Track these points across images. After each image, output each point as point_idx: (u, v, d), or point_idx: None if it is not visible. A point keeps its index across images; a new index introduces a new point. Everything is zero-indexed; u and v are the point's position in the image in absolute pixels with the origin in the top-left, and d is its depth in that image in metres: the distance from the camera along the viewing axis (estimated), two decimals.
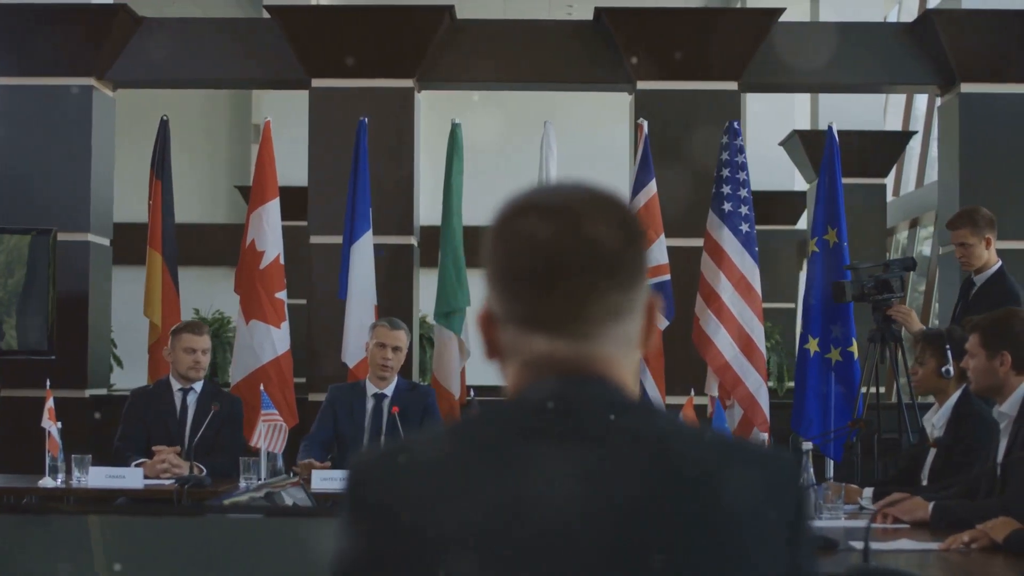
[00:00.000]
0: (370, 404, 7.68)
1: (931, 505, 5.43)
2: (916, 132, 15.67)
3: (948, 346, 6.28)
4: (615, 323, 1.82)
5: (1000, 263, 8.01)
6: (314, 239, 10.36)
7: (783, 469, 1.79)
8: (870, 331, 8.49)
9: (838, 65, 10.54)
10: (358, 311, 9.22)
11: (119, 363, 13.55)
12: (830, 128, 9.38)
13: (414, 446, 1.82)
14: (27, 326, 9.35)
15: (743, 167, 9.28)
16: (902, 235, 17.32)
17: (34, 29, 10.26)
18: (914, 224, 16.66)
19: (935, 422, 6.29)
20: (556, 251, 1.79)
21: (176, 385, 7.82)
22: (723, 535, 1.70)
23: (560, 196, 1.85)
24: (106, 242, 10.55)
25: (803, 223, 16.85)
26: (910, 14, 16.95)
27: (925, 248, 16.68)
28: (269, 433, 6.78)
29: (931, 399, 6.63)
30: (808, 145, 13.88)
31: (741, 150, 9.32)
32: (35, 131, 10.21)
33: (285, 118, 17.34)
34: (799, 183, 16.23)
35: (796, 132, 14.13)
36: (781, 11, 10.40)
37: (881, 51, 10.55)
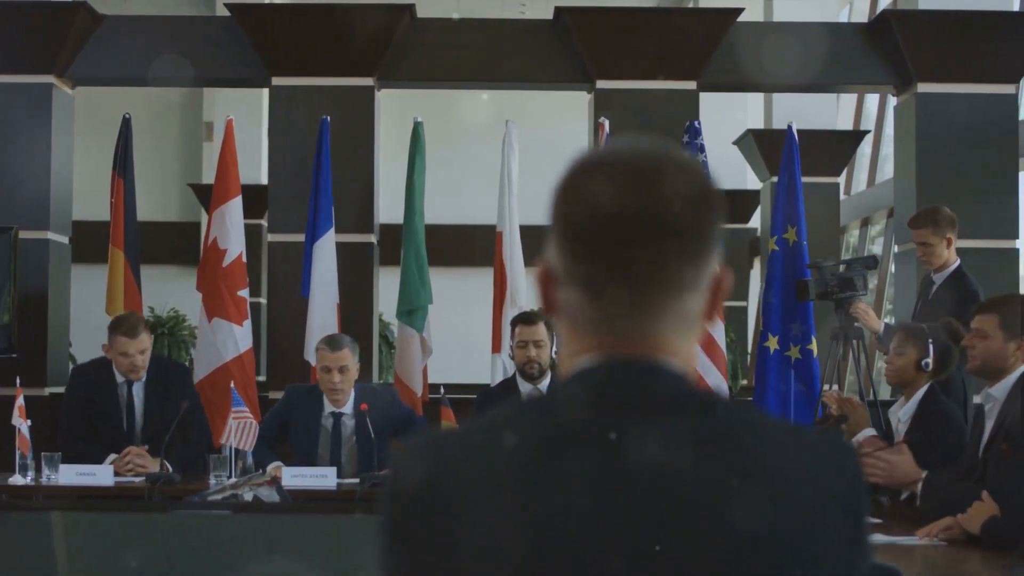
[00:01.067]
0: (328, 423, 7.49)
1: (923, 476, 5.52)
2: (868, 131, 15.79)
3: (931, 340, 6.33)
4: (677, 295, 1.72)
5: (959, 262, 8.09)
6: (272, 237, 10.36)
7: (850, 464, 1.72)
8: (832, 329, 8.54)
9: (796, 65, 10.62)
10: (321, 309, 9.24)
11: (74, 362, 13.49)
12: (790, 127, 9.46)
13: (451, 450, 1.72)
14: None
15: (704, 166, 9.33)
16: (853, 234, 17.47)
17: None
18: (865, 223, 16.80)
19: (901, 416, 6.35)
20: (618, 211, 1.69)
21: (119, 378, 7.62)
22: (788, 538, 1.63)
23: (631, 156, 1.74)
24: (65, 240, 10.52)
25: (755, 221, 16.97)
26: (861, 14, 17.11)
27: (876, 247, 16.82)
28: (239, 430, 6.79)
29: (887, 394, 6.69)
30: (762, 144, 13.99)
31: (702, 149, 9.39)
32: None
33: (237, 116, 17.34)
34: (751, 182, 16.34)
35: (750, 131, 14.23)
36: (740, 11, 10.47)
37: (838, 51, 10.63)
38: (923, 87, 10.29)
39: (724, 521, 1.61)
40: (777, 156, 13.80)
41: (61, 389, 10.22)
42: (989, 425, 5.57)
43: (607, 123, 9.55)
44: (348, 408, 7.45)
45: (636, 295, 1.71)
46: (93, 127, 14.41)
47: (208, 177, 19.38)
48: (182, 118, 20.03)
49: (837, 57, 10.64)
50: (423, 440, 1.77)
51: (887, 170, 16.73)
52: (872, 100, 17.20)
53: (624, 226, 1.69)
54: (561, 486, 1.63)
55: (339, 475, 7.03)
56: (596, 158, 1.78)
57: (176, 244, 19.01)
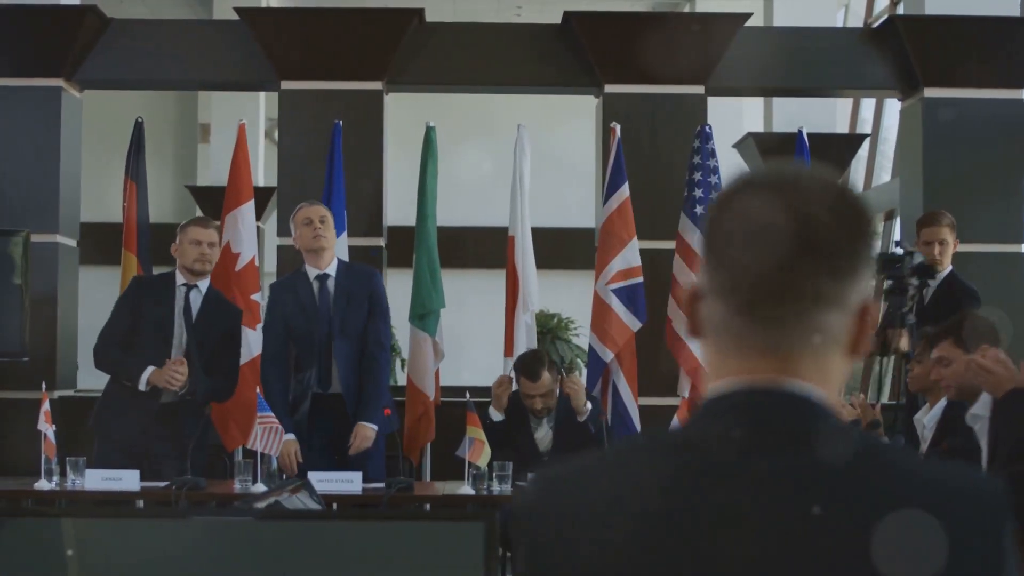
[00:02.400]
0: (316, 287, 7.58)
1: None
2: (868, 135, 15.85)
3: None
4: (819, 311, 1.72)
5: (952, 266, 8.22)
6: (281, 241, 10.36)
7: (997, 505, 1.68)
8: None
9: (803, 69, 10.70)
10: None
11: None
12: (800, 132, 9.50)
13: (588, 482, 1.73)
14: (1, 328, 9.32)
15: (715, 170, 9.37)
16: None
17: (2, 30, 10.21)
18: None
19: (926, 422, 6.37)
20: (764, 222, 1.71)
21: (180, 280, 7.60)
22: None
23: (782, 175, 1.77)
24: (73, 243, 10.52)
25: None
26: (857, 17, 17.16)
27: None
28: (265, 435, 6.78)
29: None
30: (762, 147, 14.02)
31: (713, 153, 9.41)
32: (3, 132, 10.16)
33: (232, 119, 17.34)
34: None
35: (750, 135, 14.26)
36: (747, 16, 10.52)
37: (844, 56, 10.70)
38: (930, 92, 10.34)
39: (870, 565, 1.59)
40: (777, 159, 13.89)
41: (70, 392, 10.27)
42: (983, 443, 5.61)
43: (619, 128, 9.57)
44: (332, 269, 7.64)
45: (782, 311, 1.72)
46: (88, 128, 14.38)
47: (203, 179, 19.35)
48: (177, 120, 19.96)
49: (843, 62, 10.71)
50: (558, 471, 1.78)
51: (883, 174, 16.79)
52: (868, 104, 17.23)
53: (772, 241, 1.71)
54: (707, 521, 1.64)
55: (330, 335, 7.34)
56: (750, 177, 1.81)
57: (170, 246, 18.96)
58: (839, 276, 1.73)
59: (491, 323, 13.94)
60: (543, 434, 7.79)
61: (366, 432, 7.38)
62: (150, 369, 7.28)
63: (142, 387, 7.26)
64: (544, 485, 1.77)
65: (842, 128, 16.45)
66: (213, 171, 17.68)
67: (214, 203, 16.61)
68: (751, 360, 1.73)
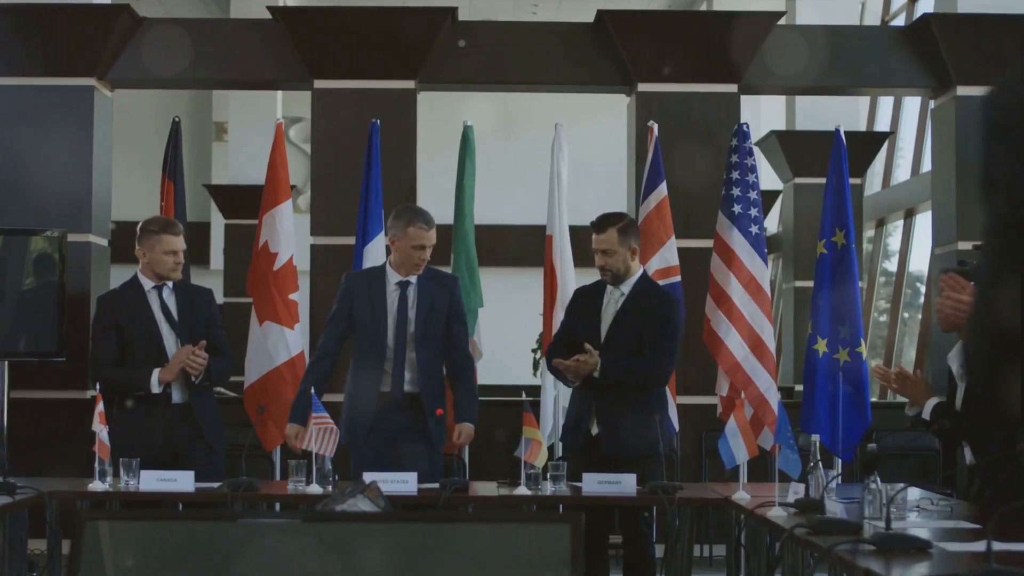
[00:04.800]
0: (393, 291, 7.49)
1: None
2: (890, 133, 15.85)
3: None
4: None
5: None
6: (315, 240, 10.37)
7: None
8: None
9: (836, 68, 10.69)
10: None
11: None
12: (837, 130, 9.45)
13: None
14: (37, 328, 9.30)
15: (752, 169, 9.34)
16: (869, 235, 17.51)
17: (37, 29, 10.21)
18: (881, 223, 16.84)
19: (960, 361, 6.25)
20: None
21: (148, 284, 7.51)
22: None
23: None
24: (104, 242, 10.51)
25: (770, 221, 16.99)
26: (874, 15, 17.15)
27: (892, 247, 16.85)
28: (320, 436, 6.76)
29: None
30: (785, 145, 14.05)
31: (750, 152, 9.39)
32: (37, 131, 10.15)
33: (250, 117, 17.36)
34: (769, 182, 16.37)
35: (773, 133, 14.28)
36: (781, 15, 10.54)
37: (877, 54, 10.71)
38: (963, 90, 10.34)
39: None
40: (800, 157, 13.93)
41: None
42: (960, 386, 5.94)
43: (656, 127, 9.55)
44: (414, 278, 7.52)
45: None
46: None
47: (219, 177, 19.36)
48: (192, 118, 19.95)
49: (875, 60, 10.73)
50: None
51: (901, 172, 16.79)
52: (886, 102, 17.23)
53: None
54: None
55: (401, 339, 7.35)
56: None
57: (189, 244, 18.94)
58: None
59: (519, 321, 13.97)
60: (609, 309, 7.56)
61: (470, 430, 7.41)
62: (157, 370, 7.27)
63: (155, 389, 7.24)
64: None
65: (861, 126, 16.48)
66: (231, 169, 17.67)
67: (233, 201, 16.64)
68: None
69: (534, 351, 13.73)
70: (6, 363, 9.37)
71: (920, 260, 15.35)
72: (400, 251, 7.46)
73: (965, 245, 10.06)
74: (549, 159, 9.74)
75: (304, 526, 2.84)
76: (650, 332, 7.30)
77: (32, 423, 9.75)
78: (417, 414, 7.36)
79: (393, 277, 7.50)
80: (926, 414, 6.19)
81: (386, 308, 7.46)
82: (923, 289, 15.21)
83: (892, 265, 16.67)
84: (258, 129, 17.06)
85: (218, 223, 18.72)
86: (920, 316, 15.24)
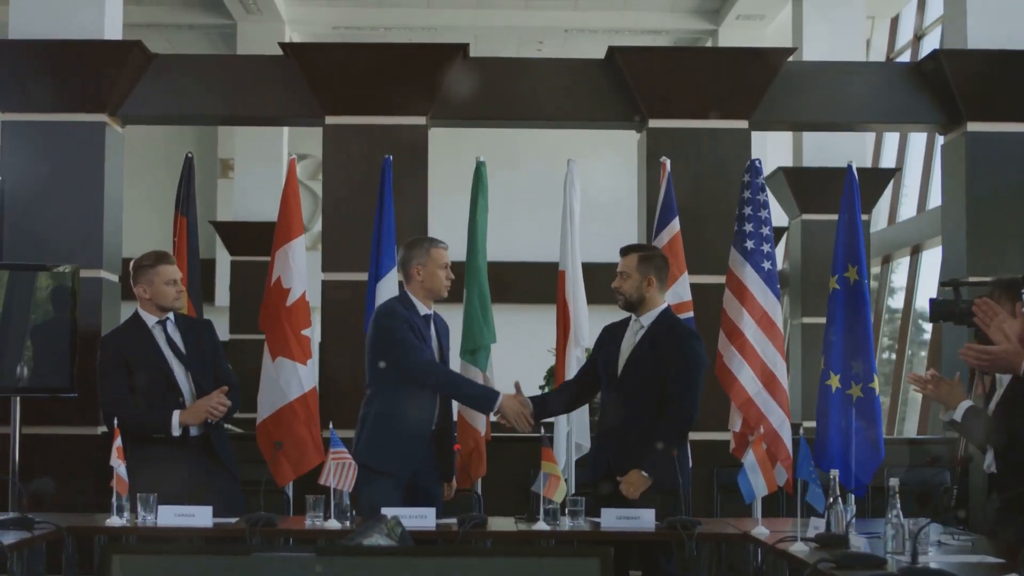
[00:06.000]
0: (431, 327, 7.52)
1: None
2: (898, 169, 15.88)
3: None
4: None
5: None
6: (326, 276, 10.37)
7: None
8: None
9: (846, 104, 10.72)
10: None
11: None
12: (850, 166, 9.44)
13: None
14: (49, 364, 9.30)
15: (765, 205, 9.33)
16: (874, 271, 17.54)
17: (49, 65, 10.22)
18: (886, 260, 16.86)
19: (1002, 379, 6.27)
20: None
21: (151, 320, 7.47)
22: None
23: None
24: (115, 278, 10.51)
25: (777, 258, 16.96)
26: (879, 52, 17.21)
27: (897, 283, 16.87)
28: (338, 471, 6.75)
29: None
30: (792, 181, 14.07)
31: (763, 188, 9.38)
32: (48, 167, 10.17)
33: (256, 154, 17.39)
34: (776, 218, 16.38)
35: (780, 169, 14.30)
36: (792, 51, 10.57)
37: (887, 90, 10.74)
38: (973, 126, 10.36)
39: None
40: (807, 193, 13.94)
41: None
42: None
43: (668, 163, 9.56)
44: (431, 309, 7.58)
45: None
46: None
47: (225, 214, 19.37)
48: (198, 155, 19.96)
49: (885, 96, 10.74)
50: None
51: (907, 208, 16.82)
52: (891, 138, 17.28)
53: None
54: None
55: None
56: None
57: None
58: None
59: (529, 358, 13.94)
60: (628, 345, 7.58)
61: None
62: (177, 412, 7.25)
63: (175, 432, 7.22)
64: None
65: (867, 163, 16.52)
66: (236, 206, 17.67)
67: (239, 238, 16.65)
68: None
69: (542, 387, 13.74)
70: (18, 399, 9.37)
71: (926, 297, 15.36)
72: (430, 275, 7.47)
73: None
74: (557, 192, 9.74)
75: (319, 560, 2.82)
76: (674, 368, 7.31)
77: (43, 459, 9.72)
78: (439, 450, 7.42)
79: (421, 310, 7.50)
80: (958, 416, 6.21)
81: (430, 342, 7.49)
82: (928, 326, 15.21)
83: (896, 302, 16.69)
84: (264, 166, 17.12)
85: (223, 260, 18.74)
86: (925, 353, 15.25)
